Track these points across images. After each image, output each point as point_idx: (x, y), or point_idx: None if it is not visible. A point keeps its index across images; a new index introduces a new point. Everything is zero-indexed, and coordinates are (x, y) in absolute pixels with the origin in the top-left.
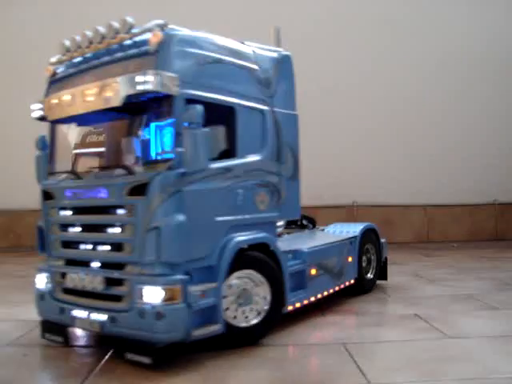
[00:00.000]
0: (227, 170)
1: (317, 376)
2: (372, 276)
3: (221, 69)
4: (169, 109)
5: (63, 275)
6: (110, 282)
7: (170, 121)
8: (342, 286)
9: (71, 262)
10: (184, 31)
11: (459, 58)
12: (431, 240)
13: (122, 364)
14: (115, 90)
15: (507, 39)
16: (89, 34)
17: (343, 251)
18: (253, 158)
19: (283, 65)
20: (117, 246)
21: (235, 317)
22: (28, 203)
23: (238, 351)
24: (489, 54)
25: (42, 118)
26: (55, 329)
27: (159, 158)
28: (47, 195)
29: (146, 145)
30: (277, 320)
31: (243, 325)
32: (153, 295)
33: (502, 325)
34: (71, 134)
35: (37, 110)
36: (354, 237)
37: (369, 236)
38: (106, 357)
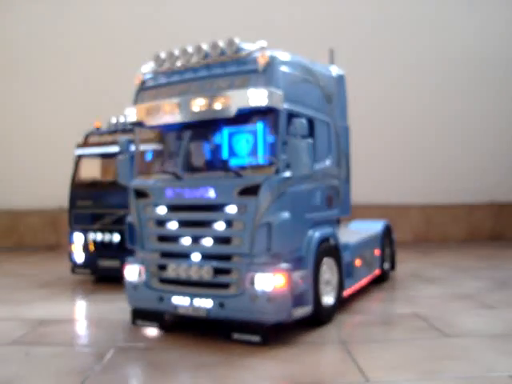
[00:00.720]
0: (313, 174)
1: (316, 375)
2: (388, 266)
3: (305, 86)
4: (273, 121)
5: (160, 267)
6: (217, 272)
7: (269, 130)
8: (371, 277)
9: (167, 255)
10: (282, 53)
11: (460, 58)
12: (430, 240)
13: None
14: (228, 103)
15: (509, 39)
16: (189, 49)
17: (373, 245)
18: (325, 164)
19: (340, 82)
20: (225, 240)
21: (321, 298)
22: (30, 203)
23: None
24: (490, 54)
25: (136, 123)
26: (148, 316)
27: (260, 162)
28: (140, 194)
29: (248, 151)
30: (339, 302)
31: (325, 305)
32: (264, 281)
33: (500, 324)
34: (162, 138)
35: (132, 114)
36: (378, 232)
37: (387, 232)
38: (108, 356)
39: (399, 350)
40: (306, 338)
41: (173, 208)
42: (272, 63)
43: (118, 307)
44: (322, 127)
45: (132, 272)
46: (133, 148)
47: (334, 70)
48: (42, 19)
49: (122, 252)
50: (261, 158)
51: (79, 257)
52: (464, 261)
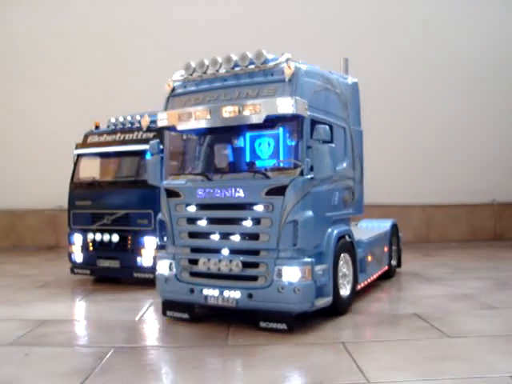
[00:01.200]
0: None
1: (316, 375)
2: (395, 263)
3: (325, 94)
4: (298, 127)
5: (190, 261)
6: (246, 265)
7: (293, 135)
8: (380, 272)
9: (197, 250)
10: (305, 65)
11: (459, 58)
12: (430, 240)
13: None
14: (257, 110)
15: (508, 39)
16: (219, 59)
17: (383, 242)
18: (342, 166)
19: (354, 89)
20: (253, 236)
21: (340, 290)
22: (29, 203)
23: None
24: (489, 54)
25: (167, 127)
26: (178, 307)
27: (286, 165)
28: (171, 193)
29: (273, 154)
30: (354, 294)
31: (343, 297)
32: (291, 274)
33: (501, 324)
34: (191, 142)
35: (163, 119)
36: (386, 230)
37: (395, 230)
38: (107, 356)
39: (399, 350)
40: (306, 338)
41: (203, 206)
42: (297, 74)
43: (117, 307)
44: (340, 132)
45: (163, 266)
46: (162, 150)
47: (349, 78)
48: (41, 19)
49: (121, 252)
50: (286, 161)
51: (79, 257)
52: (465, 261)
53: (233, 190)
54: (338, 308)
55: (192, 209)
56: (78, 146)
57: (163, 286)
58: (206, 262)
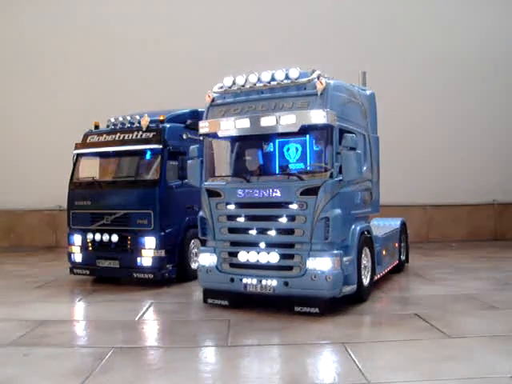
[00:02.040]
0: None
1: (316, 375)
2: (404, 258)
3: (350, 106)
4: (328, 135)
5: (230, 253)
6: (282, 257)
7: (324, 142)
8: (392, 266)
9: (236, 244)
10: (333, 80)
11: (459, 58)
12: (431, 240)
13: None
14: (293, 120)
15: (507, 39)
16: (257, 74)
17: (394, 238)
18: (363, 169)
19: (372, 100)
20: (289, 231)
21: (362, 279)
22: (29, 203)
23: None
24: (489, 53)
25: (207, 134)
26: (218, 295)
27: (314, 169)
28: (211, 193)
29: (300, 158)
30: (372, 284)
31: (364, 285)
32: (323, 264)
33: (501, 324)
34: (228, 147)
35: (205, 127)
36: (397, 228)
37: (404, 228)
38: (107, 356)
39: (400, 350)
40: (305, 338)
41: (242, 205)
42: (327, 88)
43: (117, 307)
44: (361, 139)
45: (205, 258)
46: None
47: (368, 90)
48: (41, 20)
49: (120, 252)
50: (318, 165)
51: (78, 257)
52: (465, 261)
53: (270, 191)
54: (361, 295)
55: (232, 207)
56: (77, 146)
57: (205, 277)
58: (245, 255)
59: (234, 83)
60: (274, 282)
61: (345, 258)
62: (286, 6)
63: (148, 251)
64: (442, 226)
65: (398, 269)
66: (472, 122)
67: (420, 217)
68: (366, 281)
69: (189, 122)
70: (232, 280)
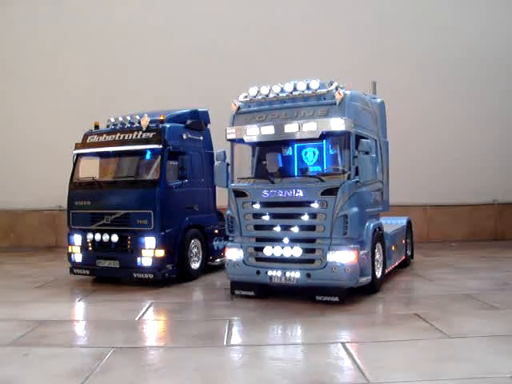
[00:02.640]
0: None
1: (316, 375)
2: (410, 253)
3: (364, 113)
4: (346, 140)
5: (256, 248)
6: (304, 251)
7: (342, 147)
8: (399, 261)
9: (261, 239)
10: (349, 91)
11: (459, 58)
12: (431, 240)
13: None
14: (314, 127)
15: (508, 39)
16: (280, 85)
17: (401, 235)
18: (377, 171)
19: (382, 107)
20: (310, 227)
21: (375, 272)
22: (29, 203)
23: None
24: (489, 54)
25: (234, 140)
26: (244, 286)
27: (333, 171)
28: (238, 193)
29: (317, 161)
30: (383, 276)
31: (377, 277)
32: (342, 257)
33: (501, 324)
34: (252, 151)
35: (232, 133)
36: (404, 225)
37: (409, 225)
38: (107, 356)
39: (400, 350)
40: (306, 338)
41: (267, 204)
42: (345, 99)
43: (117, 308)
44: (373, 143)
45: (232, 253)
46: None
47: (378, 98)
48: (40, 21)
49: (120, 252)
50: (337, 168)
51: (78, 257)
52: (465, 261)
53: (294, 191)
54: (374, 285)
55: (257, 206)
56: (77, 146)
57: (232, 270)
58: (270, 249)
59: (258, 93)
60: (297, 274)
61: (361, 252)
62: (286, 6)
63: (148, 251)
64: (442, 226)
65: (405, 263)
66: (472, 122)
67: (420, 217)
68: (378, 273)
69: (189, 121)
70: (258, 273)
